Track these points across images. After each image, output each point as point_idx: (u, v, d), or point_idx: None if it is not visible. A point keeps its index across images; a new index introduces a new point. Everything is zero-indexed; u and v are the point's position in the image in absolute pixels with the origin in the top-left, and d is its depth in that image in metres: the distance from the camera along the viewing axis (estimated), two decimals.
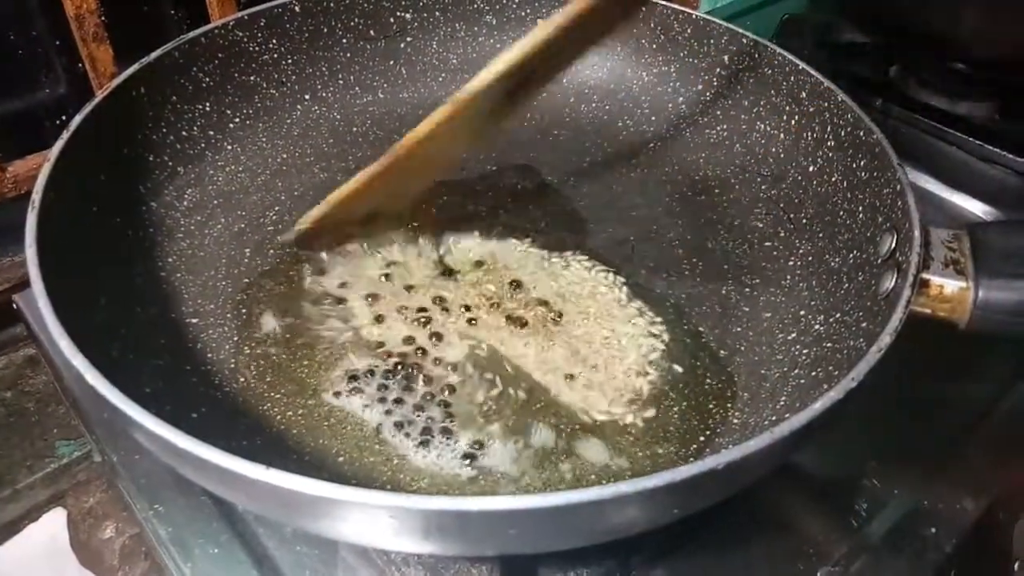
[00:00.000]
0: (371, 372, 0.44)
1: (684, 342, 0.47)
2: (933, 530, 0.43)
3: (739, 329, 0.47)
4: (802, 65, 0.53)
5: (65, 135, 0.44)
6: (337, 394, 0.43)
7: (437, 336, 0.46)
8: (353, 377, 0.44)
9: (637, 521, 0.31)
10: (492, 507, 0.28)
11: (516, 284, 0.50)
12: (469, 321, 0.47)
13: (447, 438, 0.41)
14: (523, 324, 0.47)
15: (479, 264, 0.51)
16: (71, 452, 0.73)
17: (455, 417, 0.42)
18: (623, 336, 0.47)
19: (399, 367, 0.44)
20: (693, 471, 0.29)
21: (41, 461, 0.73)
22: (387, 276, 0.50)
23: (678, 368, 0.45)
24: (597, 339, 0.47)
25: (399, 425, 0.42)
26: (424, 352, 0.45)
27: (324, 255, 0.51)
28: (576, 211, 0.56)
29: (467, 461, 0.40)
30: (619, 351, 0.46)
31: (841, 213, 0.49)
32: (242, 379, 0.43)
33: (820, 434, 0.33)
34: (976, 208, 0.68)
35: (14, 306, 0.55)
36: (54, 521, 0.69)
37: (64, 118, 0.66)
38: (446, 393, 0.43)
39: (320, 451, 0.40)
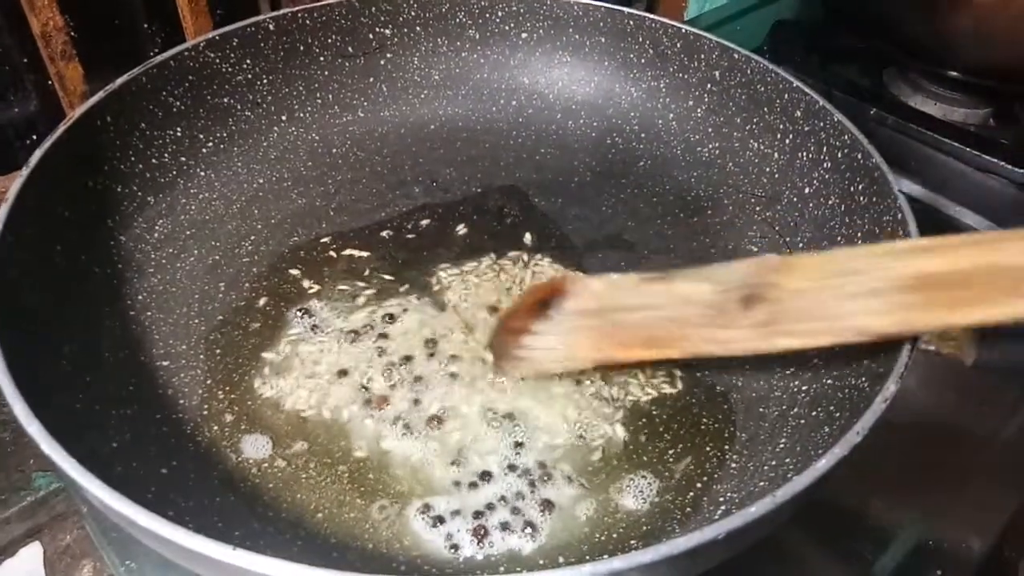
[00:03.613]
0: (353, 418, 0.42)
1: (678, 376, 0.45)
2: (939, 572, 0.42)
3: (735, 362, 0.46)
4: (796, 83, 0.52)
5: (25, 171, 0.41)
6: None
7: (418, 379, 0.44)
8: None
9: None
10: None
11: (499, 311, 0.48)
12: (453, 361, 0.45)
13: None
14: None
15: (463, 292, 0.49)
16: (48, 484, 0.71)
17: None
18: (615, 370, 0.45)
19: (382, 413, 0.42)
20: (692, 543, 0.27)
21: (17, 494, 0.71)
22: (370, 311, 0.48)
23: (672, 406, 0.43)
24: (586, 374, 0.45)
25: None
26: (408, 396, 0.43)
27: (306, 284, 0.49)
28: (565, 235, 0.54)
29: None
30: (611, 385, 0.44)
31: (839, 238, 0.47)
32: (215, 427, 0.41)
33: (824, 490, 0.31)
34: (972, 221, 0.66)
35: None
36: (31, 557, 0.67)
37: (35, 137, 0.64)
38: (429, 442, 0.41)
39: (298, 507, 0.38)
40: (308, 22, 0.58)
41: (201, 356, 0.45)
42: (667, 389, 0.44)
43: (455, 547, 0.37)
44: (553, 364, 0.43)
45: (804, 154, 0.52)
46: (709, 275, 0.40)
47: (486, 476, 0.40)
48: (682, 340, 0.39)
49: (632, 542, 0.37)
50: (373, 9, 0.60)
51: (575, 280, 0.44)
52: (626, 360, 0.42)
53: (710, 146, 0.58)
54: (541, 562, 0.36)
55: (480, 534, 0.37)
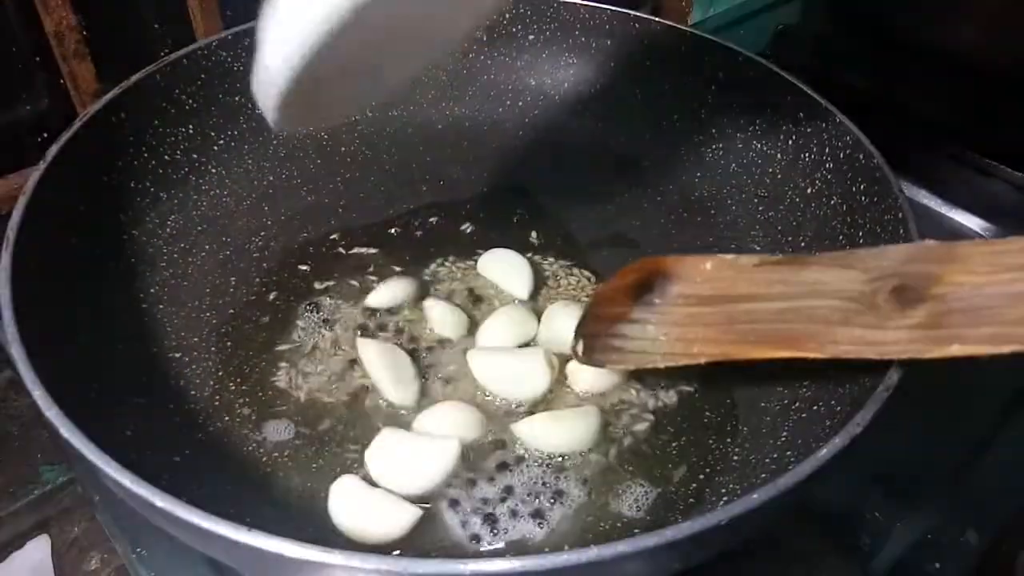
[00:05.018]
0: (363, 408, 0.43)
1: (681, 370, 0.46)
2: (937, 565, 0.42)
3: None
4: (799, 84, 0.52)
5: (42, 166, 0.42)
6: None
7: (428, 369, 0.45)
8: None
9: None
10: (486, 570, 0.27)
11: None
12: (463, 354, 0.46)
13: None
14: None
15: (469, 288, 0.50)
16: (56, 478, 0.71)
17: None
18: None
19: (392, 403, 0.43)
20: (695, 528, 0.28)
21: (25, 487, 0.71)
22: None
23: (676, 399, 0.44)
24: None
25: None
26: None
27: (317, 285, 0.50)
28: (570, 233, 0.55)
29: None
30: (615, 379, 0.45)
31: (840, 237, 0.48)
32: (227, 417, 0.42)
33: (825, 480, 0.32)
34: (973, 224, 0.67)
35: None
36: (39, 549, 0.68)
37: (46, 135, 0.65)
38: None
39: (310, 494, 0.39)
40: None
41: (212, 348, 0.45)
42: (670, 382, 0.45)
43: (472, 536, 0.37)
44: (655, 358, 0.38)
45: (806, 155, 0.52)
46: (852, 260, 0.33)
47: (501, 467, 0.40)
48: (823, 340, 0.33)
49: (635, 530, 0.37)
50: None
51: (682, 260, 0.38)
52: (746, 359, 0.36)
53: (714, 147, 0.59)
54: (547, 549, 0.37)
55: (491, 522, 0.38)
